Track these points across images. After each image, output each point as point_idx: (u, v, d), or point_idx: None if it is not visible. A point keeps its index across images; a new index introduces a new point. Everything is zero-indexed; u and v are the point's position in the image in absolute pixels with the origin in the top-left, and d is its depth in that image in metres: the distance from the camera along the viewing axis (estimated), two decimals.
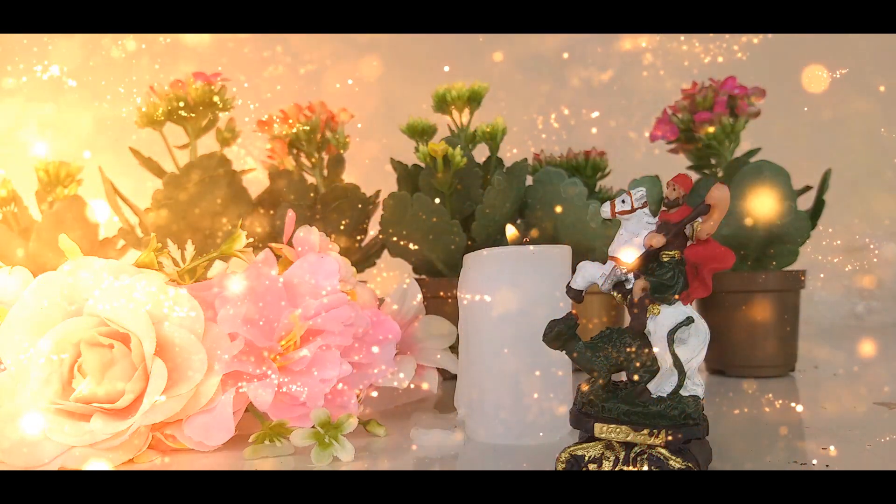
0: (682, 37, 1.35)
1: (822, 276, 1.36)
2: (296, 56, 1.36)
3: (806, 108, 1.31)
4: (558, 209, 0.79)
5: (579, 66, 1.42)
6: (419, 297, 0.72)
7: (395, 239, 0.82)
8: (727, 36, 1.32)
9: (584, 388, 0.48)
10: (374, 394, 0.69)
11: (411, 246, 0.80)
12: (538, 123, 1.37)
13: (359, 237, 0.90)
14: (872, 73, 1.34)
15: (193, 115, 0.83)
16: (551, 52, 1.42)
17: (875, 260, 1.38)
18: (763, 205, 0.77)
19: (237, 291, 0.57)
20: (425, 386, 0.69)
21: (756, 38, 1.30)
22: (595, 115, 1.38)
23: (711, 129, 0.82)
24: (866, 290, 1.38)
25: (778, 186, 0.79)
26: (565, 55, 1.42)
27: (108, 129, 1.24)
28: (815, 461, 0.51)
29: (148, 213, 0.83)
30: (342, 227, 0.86)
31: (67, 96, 1.26)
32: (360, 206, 0.87)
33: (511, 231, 0.59)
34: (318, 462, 0.53)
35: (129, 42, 1.27)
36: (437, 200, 0.77)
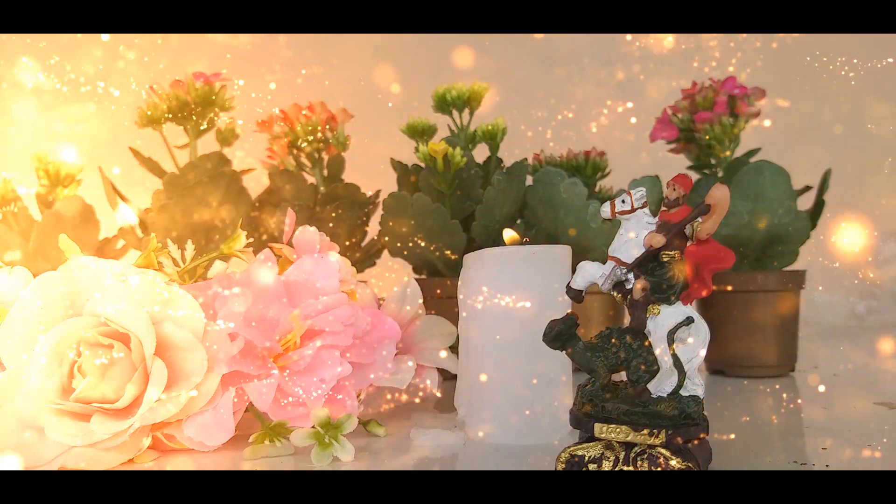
0: (681, 37, 1.35)
1: (822, 276, 1.36)
2: (296, 56, 1.36)
3: (806, 109, 1.31)
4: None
5: (580, 66, 1.42)
6: (419, 296, 0.72)
7: (391, 242, 0.82)
8: (728, 35, 1.32)
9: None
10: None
11: (419, 242, 0.79)
12: (538, 123, 1.37)
13: (359, 237, 0.90)
14: (873, 73, 1.34)
15: (194, 116, 0.83)
16: (552, 52, 1.42)
17: (875, 260, 1.38)
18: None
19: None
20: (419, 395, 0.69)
21: (758, 41, 1.30)
22: (595, 115, 1.38)
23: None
24: (866, 290, 1.38)
25: (778, 186, 0.79)
26: (566, 55, 1.42)
27: (108, 128, 1.23)
28: (814, 462, 0.51)
29: (148, 212, 0.83)
30: (342, 227, 0.86)
31: (66, 96, 1.25)
32: (360, 206, 0.87)
33: (509, 234, 0.59)
34: (318, 462, 0.53)
35: (131, 41, 1.27)
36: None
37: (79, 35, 1.23)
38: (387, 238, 0.82)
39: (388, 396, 0.72)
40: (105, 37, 1.25)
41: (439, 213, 0.77)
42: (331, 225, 0.85)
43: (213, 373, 0.56)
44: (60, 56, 1.24)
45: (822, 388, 0.77)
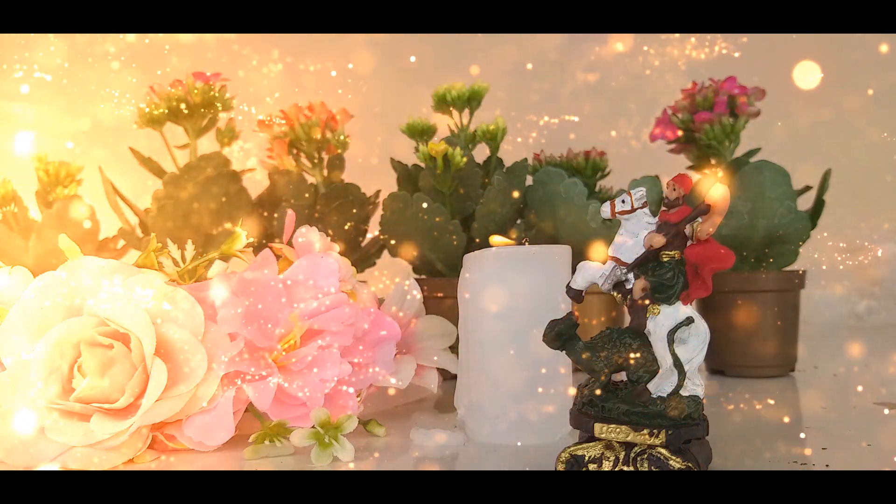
0: (689, 37, 1.35)
1: (822, 276, 1.36)
2: (296, 56, 1.36)
3: (805, 109, 1.31)
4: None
5: (579, 66, 1.42)
6: (419, 296, 0.72)
7: (392, 242, 0.82)
8: (726, 36, 1.32)
9: (582, 389, 0.48)
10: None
11: (409, 246, 0.80)
12: (538, 123, 1.37)
13: (359, 237, 0.90)
14: (873, 73, 1.34)
15: (193, 114, 0.83)
16: (551, 52, 1.42)
17: (875, 260, 1.38)
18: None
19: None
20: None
21: (755, 37, 1.30)
22: (594, 114, 1.38)
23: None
24: (866, 291, 1.38)
25: (778, 186, 0.79)
26: (565, 55, 1.42)
27: (107, 129, 1.23)
28: (814, 461, 0.51)
29: (148, 213, 0.83)
30: (342, 228, 0.86)
31: (65, 96, 1.25)
32: (360, 206, 0.87)
33: (497, 239, 0.58)
34: (318, 462, 0.53)
35: (129, 41, 1.27)
36: (425, 205, 0.76)
37: (78, 35, 1.23)
38: (388, 236, 0.82)
39: (388, 396, 0.72)
40: (105, 37, 1.25)
41: (439, 212, 0.77)
42: (331, 225, 0.85)
43: (213, 373, 0.56)
44: (58, 54, 1.24)
45: (822, 388, 0.77)
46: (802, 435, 0.58)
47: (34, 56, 1.23)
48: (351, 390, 0.60)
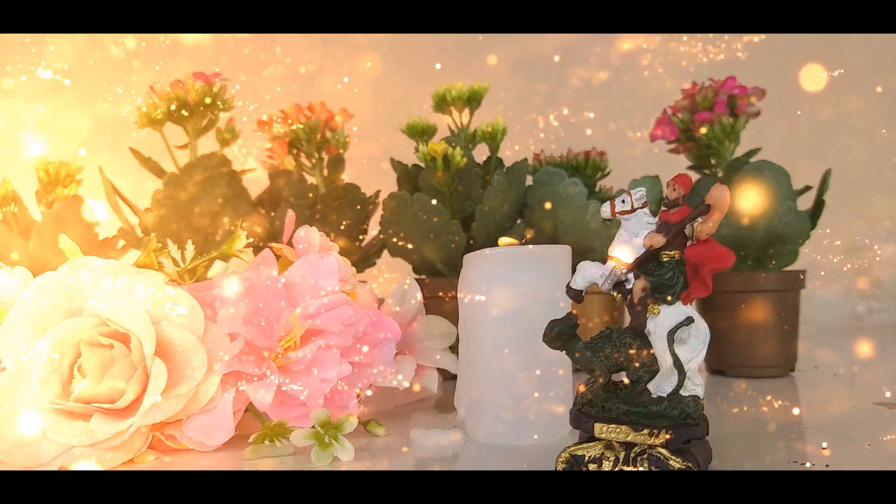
0: (684, 37, 1.35)
1: (822, 276, 1.35)
2: (295, 56, 1.36)
3: (805, 109, 1.31)
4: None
5: (579, 66, 1.42)
6: (419, 296, 0.72)
7: (395, 240, 0.82)
8: (727, 36, 1.32)
9: (581, 388, 0.48)
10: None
11: (409, 246, 0.80)
12: (538, 123, 1.37)
13: (359, 237, 0.90)
14: (873, 73, 1.34)
15: (193, 114, 0.83)
16: (551, 52, 1.42)
17: (874, 260, 1.38)
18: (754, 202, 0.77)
19: (233, 294, 0.57)
20: (416, 388, 0.69)
21: (756, 38, 1.30)
22: (594, 115, 1.38)
23: (704, 130, 0.83)
24: (866, 290, 1.38)
25: (778, 186, 0.79)
26: (561, 56, 1.42)
27: (107, 129, 1.23)
28: (814, 461, 0.51)
29: (148, 213, 0.83)
30: (342, 228, 0.86)
31: (66, 96, 1.25)
32: (360, 206, 0.87)
33: (504, 240, 0.58)
34: (318, 462, 0.53)
35: (129, 41, 1.27)
36: (434, 201, 0.77)
37: (78, 35, 1.23)
38: (392, 238, 0.82)
39: (388, 396, 0.72)
40: (105, 37, 1.25)
41: (439, 212, 0.77)
42: (331, 225, 0.85)
43: (213, 373, 0.56)
44: (58, 55, 1.24)
45: (822, 388, 0.77)
46: (803, 435, 0.58)
47: (36, 56, 1.23)
48: (356, 390, 0.60)
